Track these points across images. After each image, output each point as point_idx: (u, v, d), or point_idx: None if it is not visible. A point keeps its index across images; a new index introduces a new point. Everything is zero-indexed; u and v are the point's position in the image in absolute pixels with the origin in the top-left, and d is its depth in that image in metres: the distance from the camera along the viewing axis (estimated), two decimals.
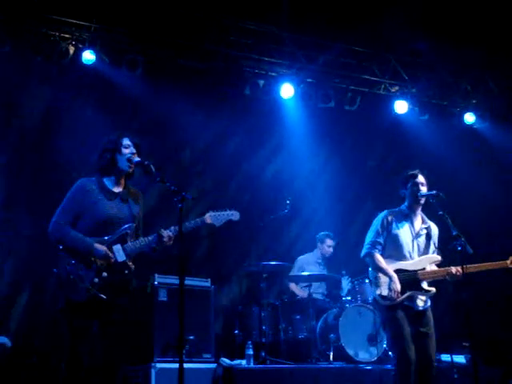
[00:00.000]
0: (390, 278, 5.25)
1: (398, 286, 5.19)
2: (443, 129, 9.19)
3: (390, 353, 7.13)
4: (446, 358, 7.34)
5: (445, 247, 5.35)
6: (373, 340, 7.27)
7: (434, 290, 5.31)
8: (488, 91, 9.19)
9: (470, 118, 9.33)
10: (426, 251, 5.45)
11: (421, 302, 5.32)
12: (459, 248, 4.99)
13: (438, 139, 9.04)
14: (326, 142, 9.09)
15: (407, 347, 5.12)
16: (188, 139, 8.54)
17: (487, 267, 5.17)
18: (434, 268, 5.35)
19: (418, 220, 5.48)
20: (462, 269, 5.11)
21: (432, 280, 5.35)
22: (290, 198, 7.47)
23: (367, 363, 7.13)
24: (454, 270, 5.15)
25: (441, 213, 5.14)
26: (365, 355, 7.25)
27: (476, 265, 5.16)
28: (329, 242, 8.37)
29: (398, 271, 5.29)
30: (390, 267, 5.29)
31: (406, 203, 5.48)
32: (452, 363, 7.16)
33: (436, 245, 5.46)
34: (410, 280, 5.27)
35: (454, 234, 5.00)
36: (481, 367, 7.16)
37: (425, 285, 5.32)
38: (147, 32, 7.81)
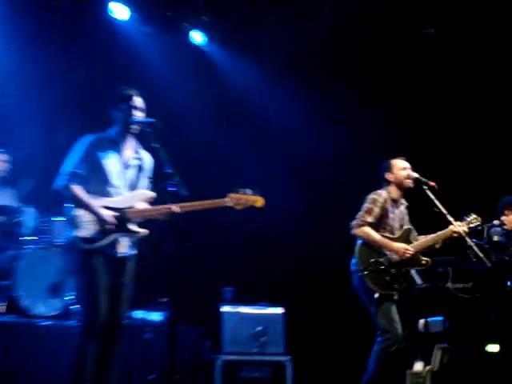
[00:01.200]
0: (96, 213, 5.04)
1: (110, 218, 5.06)
2: (169, 46, 9.04)
3: (75, 307, 7.14)
4: (139, 314, 7.42)
5: (156, 186, 5.28)
6: (56, 291, 7.21)
7: (143, 231, 5.23)
8: (222, 10, 9.20)
9: (198, 37, 9.32)
10: (137, 186, 5.31)
11: (123, 247, 5.20)
12: (172, 188, 4.94)
13: (162, 57, 8.91)
14: (29, 42, 8.33)
15: (99, 300, 5.01)
16: None
17: (206, 206, 5.21)
18: (146, 206, 5.25)
19: (129, 149, 5.32)
20: (180, 208, 5.06)
21: (143, 220, 5.26)
22: None
23: (46, 318, 7.00)
24: (169, 207, 5.05)
25: (156, 145, 5.03)
26: (44, 308, 7.12)
27: (194, 203, 5.14)
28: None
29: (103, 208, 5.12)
30: (95, 202, 5.10)
31: (116, 127, 5.28)
32: (146, 321, 7.28)
33: (150, 180, 5.38)
34: (117, 220, 5.11)
35: (168, 171, 4.94)
36: (179, 326, 7.32)
37: (132, 226, 5.19)
38: None
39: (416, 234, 6.25)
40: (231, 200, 5.26)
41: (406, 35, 9.01)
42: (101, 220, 5.06)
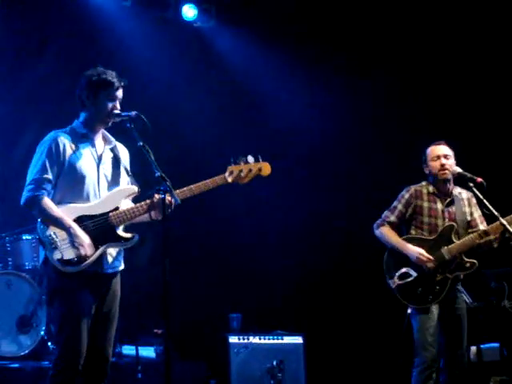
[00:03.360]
0: (68, 230, 4.92)
1: (84, 239, 4.92)
2: (154, 23, 9.09)
3: (49, 343, 7.18)
4: (129, 350, 7.40)
5: (144, 193, 5.18)
6: (26, 325, 7.21)
7: (135, 236, 5.13)
8: None
9: (190, 12, 9.36)
10: (116, 182, 5.20)
11: (111, 260, 5.10)
12: (162, 195, 4.87)
13: (147, 37, 8.95)
14: None
15: (80, 332, 4.87)
16: None
17: (204, 187, 5.15)
18: (131, 204, 5.15)
19: (100, 139, 5.25)
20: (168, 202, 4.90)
21: (131, 223, 5.14)
22: None
23: (14, 359, 7.03)
24: (158, 198, 4.96)
25: (140, 144, 4.93)
26: (11, 347, 7.15)
27: (190, 187, 5.08)
28: None
29: (80, 220, 4.99)
30: (68, 214, 4.98)
31: (82, 117, 5.19)
32: (137, 358, 7.21)
33: (129, 171, 5.27)
34: (101, 228, 5.01)
35: (157, 174, 4.84)
36: (175, 363, 7.20)
37: (121, 231, 5.11)
38: None
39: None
40: (232, 174, 5.23)
41: None
42: (75, 244, 4.93)
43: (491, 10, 8.82)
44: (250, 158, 5.26)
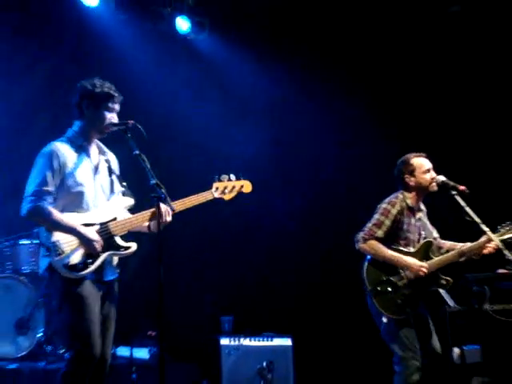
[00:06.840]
0: (78, 234, 4.92)
1: (97, 237, 4.98)
2: (149, 35, 9.01)
3: (45, 346, 7.12)
4: (123, 352, 7.32)
5: (141, 200, 5.21)
6: (23, 327, 7.18)
7: (133, 245, 5.16)
8: None
9: (183, 24, 9.26)
10: (111, 191, 5.24)
11: (111, 268, 5.13)
12: (157, 202, 4.86)
13: (142, 49, 8.89)
14: None
15: (92, 339, 4.88)
16: None
17: (195, 201, 5.27)
18: (129, 215, 5.17)
19: (94, 149, 5.25)
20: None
21: (128, 232, 5.15)
22: None
23: (11, 360, 6.99)
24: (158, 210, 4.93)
25: (137, 152, 4.91)
26: (9, 348, 7.10)
27: (183, 200, 5.19)
28: None
29: None
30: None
31: (78, 126, 5.19)
32: (131, 359, 7.15)
33: (121, 181, 5.31)
34: (102, 237, 5.01)
35: (153, 182, 4.82)
36: (168, 364, 7.22)
37: (120, 240, 5.10)
38: None
39: (440, 245, 6.15)
40: (218, 190, 5.38)
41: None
42: (86, 242, 4.93)
43: (459, 26, 8.94)
44: (232, 176, 5.42)
